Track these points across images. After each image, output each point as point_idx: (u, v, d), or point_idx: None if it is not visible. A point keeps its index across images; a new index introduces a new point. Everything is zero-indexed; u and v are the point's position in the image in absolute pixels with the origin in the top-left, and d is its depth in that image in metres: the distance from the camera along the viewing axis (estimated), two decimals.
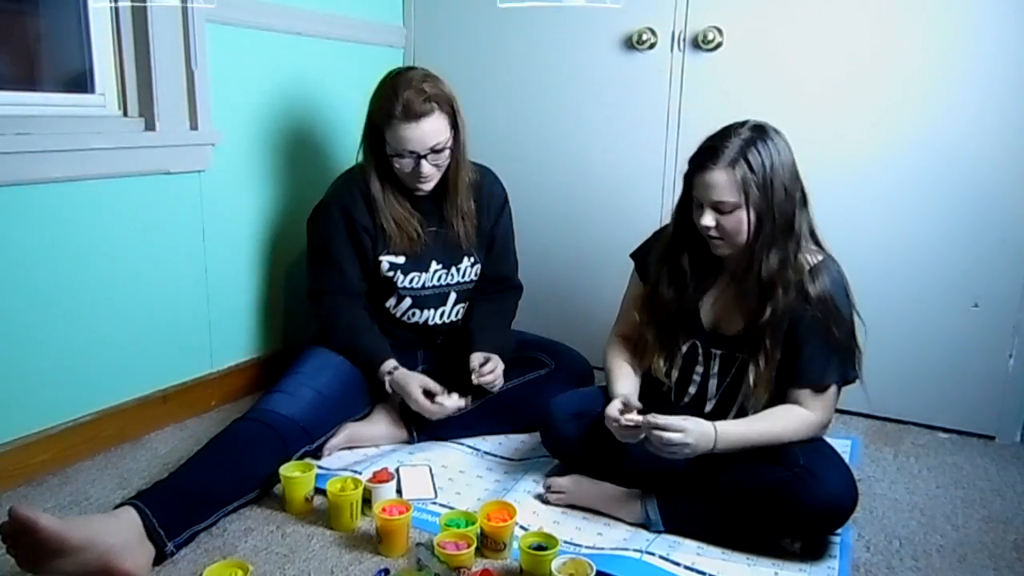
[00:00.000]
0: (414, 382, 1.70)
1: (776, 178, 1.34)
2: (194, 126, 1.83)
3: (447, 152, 1.72)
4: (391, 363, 1.75)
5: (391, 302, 1.85)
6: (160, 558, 1.29)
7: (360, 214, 1.77)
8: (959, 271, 1.92)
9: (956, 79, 1.86)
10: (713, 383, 1.50)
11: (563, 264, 2.36)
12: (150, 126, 1.77)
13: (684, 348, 1.51)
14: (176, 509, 1.33)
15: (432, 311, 1.87)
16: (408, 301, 1.85)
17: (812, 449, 1.38)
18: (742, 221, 1.36)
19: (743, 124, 1.38)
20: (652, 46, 2.13)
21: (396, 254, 1.80)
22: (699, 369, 1.51)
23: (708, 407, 1.51)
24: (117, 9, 1.72)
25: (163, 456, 1.72)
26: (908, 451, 1.87)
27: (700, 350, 1.50)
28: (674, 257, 1.49)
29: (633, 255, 1.63)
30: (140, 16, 1.72)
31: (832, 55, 1.96)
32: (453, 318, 1.91)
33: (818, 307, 1.37)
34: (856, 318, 1.42)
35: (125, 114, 1.77)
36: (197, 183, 1.89)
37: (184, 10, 1.76)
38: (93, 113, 1.73)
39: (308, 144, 2.19)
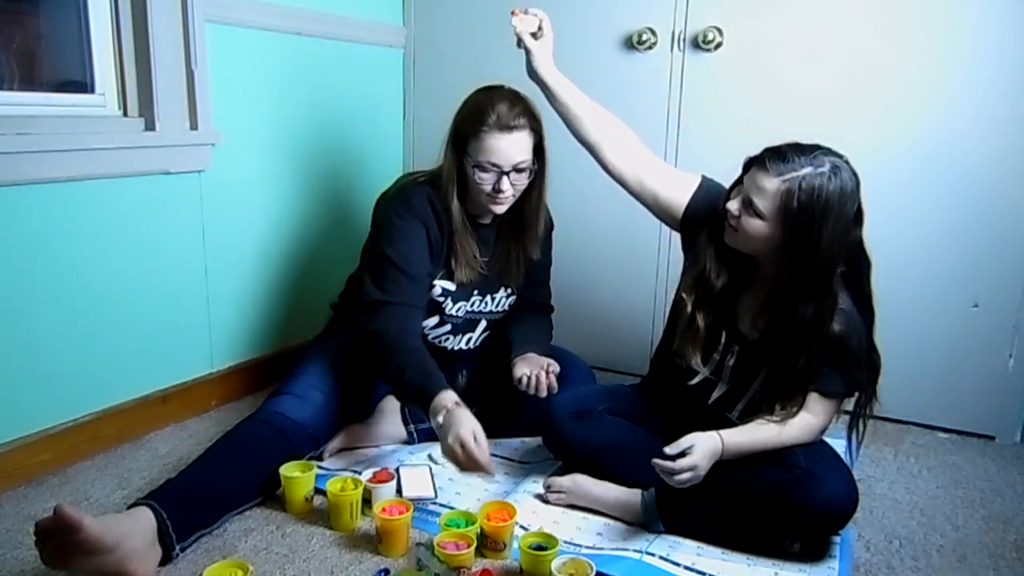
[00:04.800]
0: (469, 424, 1.44)
1: (825, 222, 1.27)
2: (194, 126, 1.83)
3: (527, 174, 1.62)
4: (453, 396, 1.50)
5: (430, 322, 1.78)
6: (164, 560, 1.29)
7: (435, 234, 1.66)
8: (959, 271, 1.92)
9: (956, 79, 1.86)
10: (726, 374, 1.48)
11: (562, 266, 2.35)
12: (150, 126, 1.77)
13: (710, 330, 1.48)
14: (187, 513, 1.33)
15: (461, 336, 1.83)
16: (447, 327, 1.80)
17: (812, 451, 1.37)
18: (760, 232, 1.32)
19: (829, 152, 1.31)
20: (652, 46, 2.13)
21: (450, 280, 1.73)
22: (716, 357, 1.48)
23: (716, 394, 1.50)
24: (117, 9, 1.72)
25: (163, 456, 1.72)
26: (908, 451, 1.87)
27: (723, 337, 1.47)
28: (720, 239, 1.43)
29: (704, 180, 1.54)
30: (140, 16, 1.72)
31: (832, 55, 1.96)
32: (476, 344, 1.87)
33: (838, 340, 1.34)
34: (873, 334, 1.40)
35: (125, 114, 1.77)
36: (197, 183, 1.89)
37: (184, 10, 1.76)
38: (93, 113, 1.73)
39: (308, 144, 2.19)
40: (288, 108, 2.11)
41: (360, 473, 1.57)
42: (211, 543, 1.37)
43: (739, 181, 1.39)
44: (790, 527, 1.36)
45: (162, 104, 1.77)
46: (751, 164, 1.36)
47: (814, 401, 1.39)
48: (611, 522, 1.48)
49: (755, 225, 1.32)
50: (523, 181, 1.63)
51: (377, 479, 1.49)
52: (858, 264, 1.36)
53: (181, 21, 1.77)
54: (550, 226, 1.87)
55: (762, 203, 1.30)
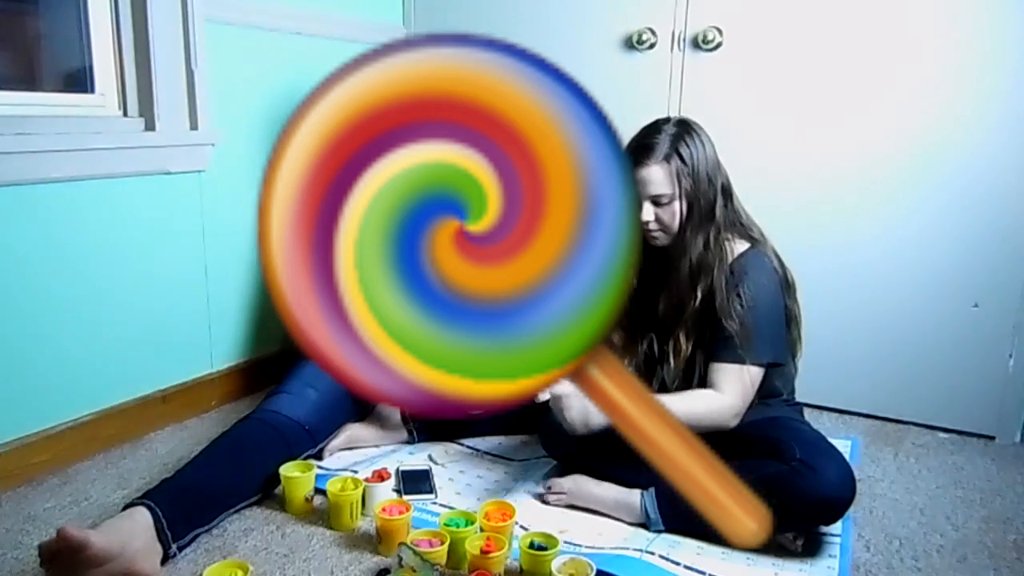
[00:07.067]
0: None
1: (701, 168, 1.44)
2: (194, 126, 1.83)
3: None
4: None
5: None
6: (162, 560, 1.29)
7: None
8: (959, 271, 1.92)
9: (956, 77, 1.86)
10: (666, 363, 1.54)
11: None
12: (150, 126, 1.77)
13: (644, 345, 1.57)
14: (183, 511, 1.33)
15: None
16: None
17: (808, 443, 1.38)
18: (676, 211, 1.45)
19: (667, 120, 1.48)
20: (652, 46, 2.13)
21: None
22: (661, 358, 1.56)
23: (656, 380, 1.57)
24: (117, 9, 1.72)
25: (163, 456, 1.72)
26: (908, 451, 1.87)
27: (656, 344, 1.56)
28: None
29: None
30: (140, 16, 1.72)
31: (832, 54, 1.96)
32: None
33: (733, 290, 1.43)
34: (794, 305, 1.49)
35: (125, 114, 1.77)
36: (197, 183, 1.89)
37: (184, 10, 1.77)
38: (93, 113, 1.73)
39: None
40: (288, 108, 2.09)
41: (360, 473, 1.57)
42: (211, 543, 1.37)
43: None
44: (789, 519, 1.36)
45: (162, 104, 1.77)
46: None
47: (718, 372, 1.44)
48: (611, 522, 1.47)
49: (673, 210, 1.45)
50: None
51: (376, 479, 1.49)
52: (728, 185, 1.50)
53: (181, 21, 1.77)
54: None
55: (665, 190, 1.43)
